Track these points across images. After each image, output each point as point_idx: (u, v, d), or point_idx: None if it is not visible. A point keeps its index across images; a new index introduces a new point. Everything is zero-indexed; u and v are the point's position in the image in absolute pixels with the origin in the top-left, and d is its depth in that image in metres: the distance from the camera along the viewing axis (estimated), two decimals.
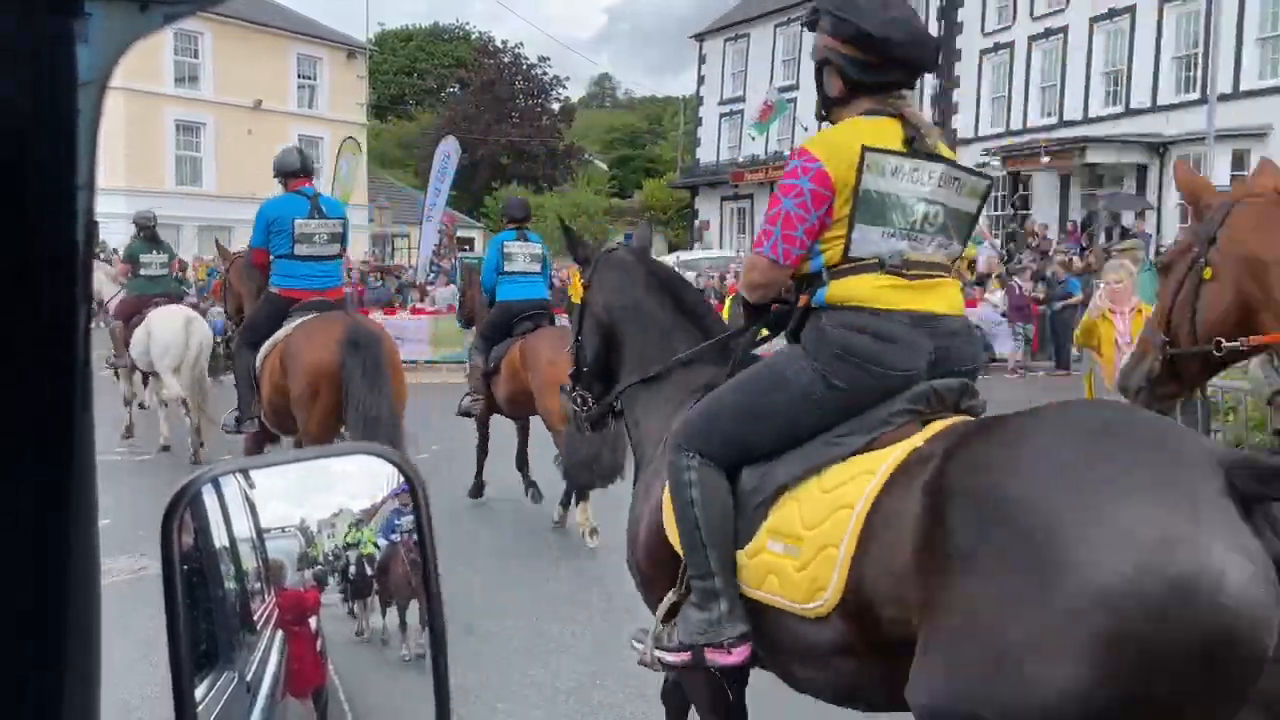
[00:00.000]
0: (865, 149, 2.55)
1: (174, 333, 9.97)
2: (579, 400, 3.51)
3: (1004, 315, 18.52)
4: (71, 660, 0.62)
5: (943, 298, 2.72)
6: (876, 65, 2.68)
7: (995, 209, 29.28)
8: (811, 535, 2.47)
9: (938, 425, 2.54)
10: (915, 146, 2.65)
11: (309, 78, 37.10)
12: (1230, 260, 3.10)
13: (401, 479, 1.01)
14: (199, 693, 0.85)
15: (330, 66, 37.45)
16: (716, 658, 2.62)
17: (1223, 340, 3.10)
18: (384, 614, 1.04)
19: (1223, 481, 1.95)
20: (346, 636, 1.02)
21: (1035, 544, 1.97)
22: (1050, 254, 20.89)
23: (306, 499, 0.97)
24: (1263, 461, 2.01)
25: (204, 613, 0.89)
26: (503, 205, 10.16)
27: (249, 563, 0.94)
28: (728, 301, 15.08)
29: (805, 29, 2.98)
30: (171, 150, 33.44)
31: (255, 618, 0.94)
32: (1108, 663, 1.85)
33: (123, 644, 4.89)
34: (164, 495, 0.85)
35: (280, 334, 6.21)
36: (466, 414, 8.18)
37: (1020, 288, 18.62)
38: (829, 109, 2.84)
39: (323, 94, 37.31)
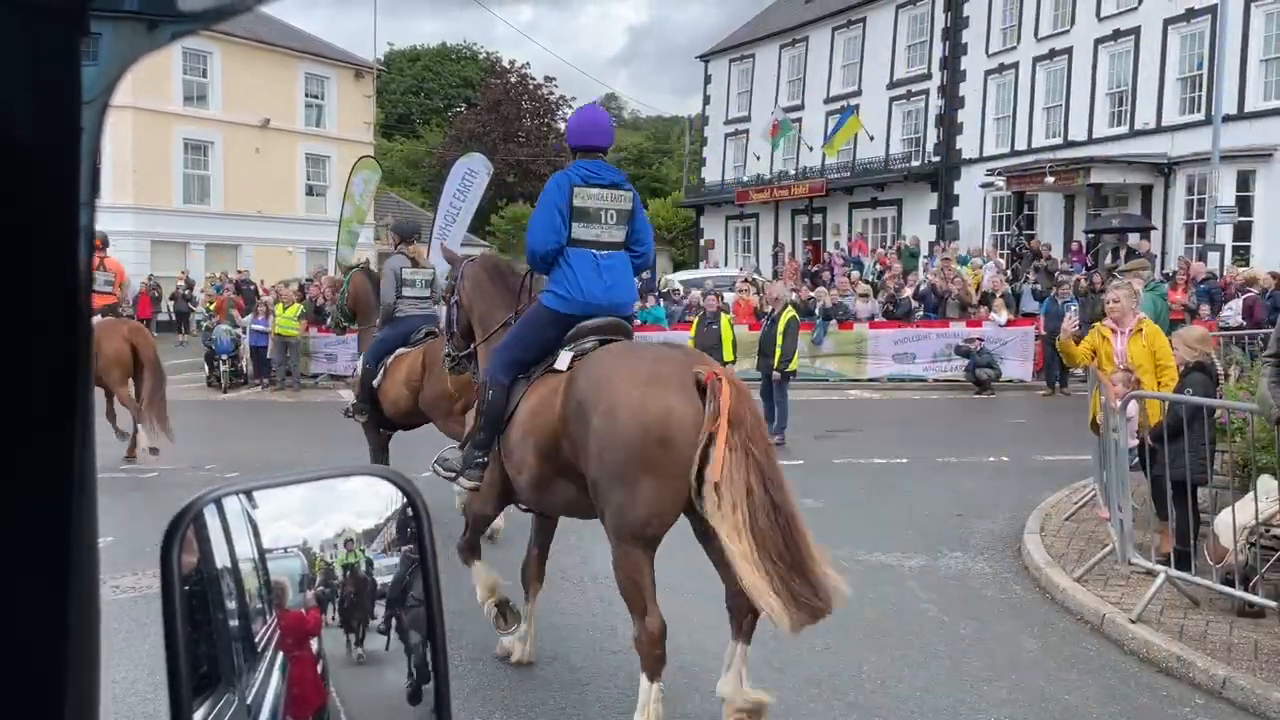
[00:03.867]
0: None
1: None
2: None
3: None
4: (71, 678, 0.61)
5: None
6: None
7: (1000, 229, 29.32)
8: None
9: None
10: None
11: (317, 97, 37.31)
12: None
13: (404, 499, 1.00)
14: (199, 715, 0.84)
15: (338, 86, 37.68)
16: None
17: None
18: (386, 634, 1.03)
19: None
20: (348, 658, 1.01)
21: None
22: (1055, 274, 20.86)
23: (309, 519, 0.96)
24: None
25: (205, 634, 0.88)
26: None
27: (251, 583, 0.93)
28: (723, 319, 14.82)
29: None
30: (180, 168, 33.60)
31: (256, 639, 0.93)
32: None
33: (124, 663, 4.87)
34: (167, 514, 0.85)
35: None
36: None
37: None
38: None
39: (330, 113, 37.51)
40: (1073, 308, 14.73)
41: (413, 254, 8.94)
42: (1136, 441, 7.06)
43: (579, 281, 4.71)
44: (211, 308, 22.72)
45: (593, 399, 4.18)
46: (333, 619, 0.98)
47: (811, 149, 35.08)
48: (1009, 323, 18.94)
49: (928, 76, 32.32)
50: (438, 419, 8.09)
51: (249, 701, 0.92)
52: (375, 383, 8.35)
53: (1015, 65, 29.13)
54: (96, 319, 9.84)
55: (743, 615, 4.15)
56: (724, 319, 14.30)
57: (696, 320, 14.86)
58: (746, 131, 38.75)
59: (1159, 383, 7.53)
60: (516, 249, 45.44)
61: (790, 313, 13.13)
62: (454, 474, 5.20)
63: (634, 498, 4.05)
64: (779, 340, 12.73)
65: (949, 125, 31.36)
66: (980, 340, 18.47)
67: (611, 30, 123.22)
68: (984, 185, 28.99)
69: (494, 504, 5.20)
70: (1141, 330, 7.82)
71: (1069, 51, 27.45)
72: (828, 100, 35.41)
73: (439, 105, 58.56)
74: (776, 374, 12.76)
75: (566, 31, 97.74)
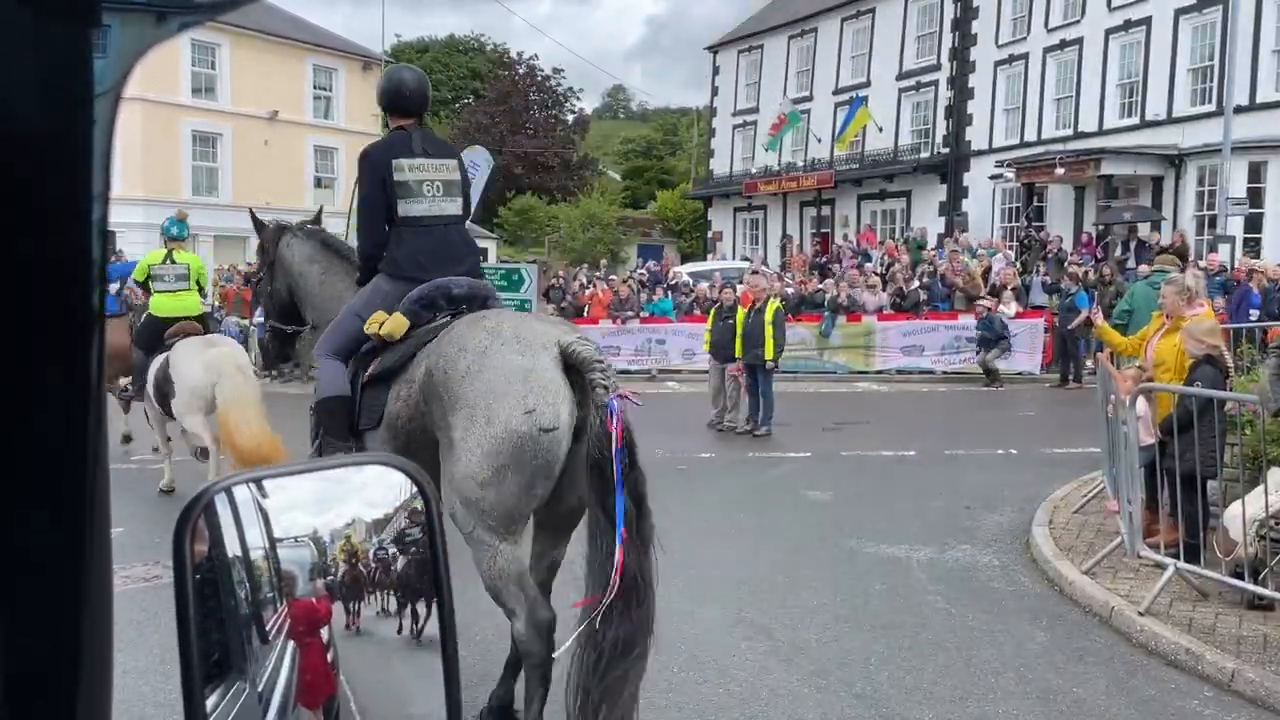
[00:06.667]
0: None
1: None
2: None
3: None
4: (83, 667, 0.62)
5: None
6: None
7: (1009, 220, 29.21)
8: None
9: None
10: None
11: (325, 89, 37.29)
12: None
13: (414, 488, 1.01)
14: (211, 702, 0.84)
15: (346, 78, 37.65)
16: None
17: None
18: (397, 623, 1.03)
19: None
20: (358, 647, 1.02)
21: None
22: (1065, 265, 20.79)
23: (319, 509, 0.97)
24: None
25: (216, 622, 0.89)
26: None
27: (262, 572, 0.94)
28: (769, 307, 13.13)
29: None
30: (188, 160, 33.63)
31: (267, 627, 0.94)
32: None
33: (136, 652, 4.90)
34: (176, 504, 0.85)
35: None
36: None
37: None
38: None
39: (338, 105, 37.50)
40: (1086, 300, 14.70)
41: None
42: (1153, 440, 6.92)
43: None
44: (218, 301, 22.71)
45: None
46: (343, 608, 0.98)
47: (820, 140, 34.98)
48: (1018, 315, 18.88)
49: (937, 67, 32.16)
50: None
51: (260, 689, 0.93)
52: None
53: (1025, 56, 28.96)
54: None
55: None
56: (770, 307, 12.90)
57: (713, 313, 14.61)
58: (755, 123, 38.61)
59: (1184, 382, 7.36)
60: (523, 240, 45.48)
61: (776, 304, 13.08)
62: None
63: None
64: (768, 331, 12.67)
65: (958, 116, 31.21)
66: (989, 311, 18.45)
67: (629, 22, 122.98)
68: (993, 177, 28.86)
69: None
70: (1173, 329, 7.54)
71: (1079, 42, 27.28)
72: (836, 91, 35.26)
73: (447, 97, 58.51)
74: (771, 364, 12.74)
75: (584, 24, 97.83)
